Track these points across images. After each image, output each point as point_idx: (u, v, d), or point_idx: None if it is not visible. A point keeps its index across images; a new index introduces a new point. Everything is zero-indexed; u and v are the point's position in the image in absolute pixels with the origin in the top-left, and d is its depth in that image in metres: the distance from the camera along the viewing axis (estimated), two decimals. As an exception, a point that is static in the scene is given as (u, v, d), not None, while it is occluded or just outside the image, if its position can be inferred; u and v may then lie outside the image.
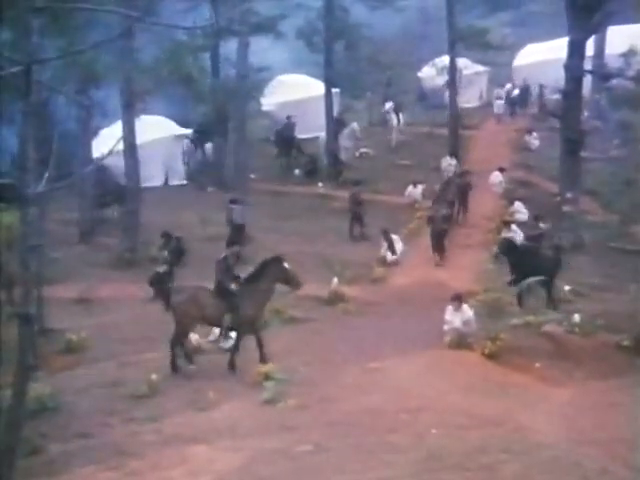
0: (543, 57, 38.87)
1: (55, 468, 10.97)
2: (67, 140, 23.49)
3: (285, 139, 35.00)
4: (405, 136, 37.24)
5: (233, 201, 25.56)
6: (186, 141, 33.98)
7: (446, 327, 16.54)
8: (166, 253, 22.85)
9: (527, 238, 20.87)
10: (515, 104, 40.60)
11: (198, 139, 34.53)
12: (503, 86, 41.30)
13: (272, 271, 15.33)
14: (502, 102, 40.09)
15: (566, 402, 12.74)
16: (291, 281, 15.52)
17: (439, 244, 23.36)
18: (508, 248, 19.49)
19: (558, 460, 7.66)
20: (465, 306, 16.76)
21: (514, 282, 18.87)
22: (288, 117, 35.15)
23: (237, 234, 24.88)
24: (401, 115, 38.14)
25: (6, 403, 7.38)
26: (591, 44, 29.17)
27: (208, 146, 34.80)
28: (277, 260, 15.51)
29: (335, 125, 35.12)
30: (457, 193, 26.48)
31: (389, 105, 38.77)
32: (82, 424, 11.54)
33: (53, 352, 16.98)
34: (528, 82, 40.58)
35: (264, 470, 9.37)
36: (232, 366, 15.04)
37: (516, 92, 40.85)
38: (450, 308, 16.68)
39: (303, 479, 9.03)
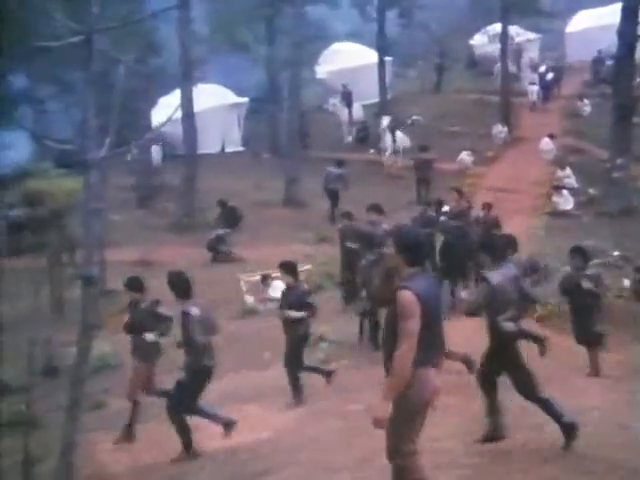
0: (595, 23, 38.15)
1: (117, 422, 11.22)
2: (127, 108, 23.71)
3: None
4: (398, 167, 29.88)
5: (339, 163, 25.43)
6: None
7: None
8: (221, 220, 23.13)
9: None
10: (550, 89, 37.38)
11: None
12: (536, 69, 38.37)
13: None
14: (536, 87, 36.89)
15: (612, 365, 12.64)
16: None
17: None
18: None
19: (603, 421, 7.65)
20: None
21: None
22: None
23: (332, 199, 24.79)
24: (398, 133, 31.30)
25: (71, 360, 7.56)
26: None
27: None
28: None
29: (346, 97, 35.00)
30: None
31: (385, 121, 31.84)
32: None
33: (114, 312, 17.24)
34: (561, 63, 39.27)
35: (316, 428, 9.47)
36: (374, 342, 13.56)
37: (550, 76, 37.54)
38: None
39: (353, 437, 9.09)
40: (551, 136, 29.73)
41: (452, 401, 10.23)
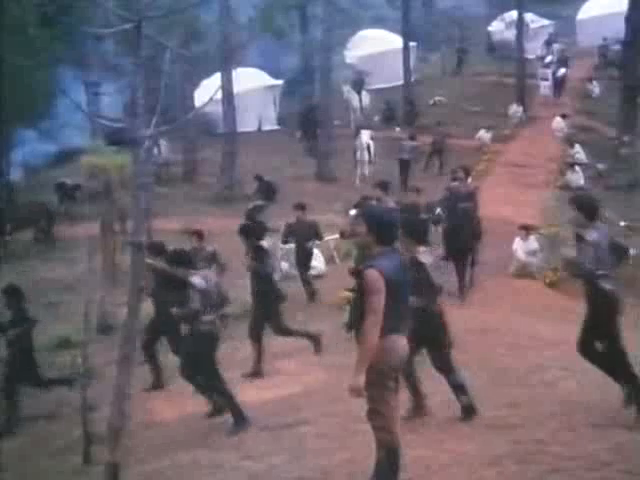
0: (606, 10, 37.51)
1: (164, 376, 11.33)
2: (172, 90, 23.75)
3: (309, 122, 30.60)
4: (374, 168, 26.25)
5: (411, 137, 25.50)
6: None
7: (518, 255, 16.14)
8: (258, 193, 23.18)
9: None
10: (561, 85, 35.32)
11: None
12: (544, 62, 36.84)
13: None
14: (548, 83, 35.35)
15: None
16: None
17: None
18: None
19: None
20: (532, 237, 16.36)
21: None
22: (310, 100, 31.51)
23: (404, 169, 24.70)
24: (372, 147, 26.84)
25: (122, 319, 7.63)
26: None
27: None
28: None
29: (358, 83, 34.64)
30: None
31: (365, 136, 27.09)
32: (187, 339, 11.82)
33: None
34: (566, 53, 37.99)
35: (345, 382, 9.47)
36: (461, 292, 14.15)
37: (562, 71, 35.47)
38: (518, 239, 16.28)
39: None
40: (563, 116, 29.56)
41: (472, 358, 10.24)
